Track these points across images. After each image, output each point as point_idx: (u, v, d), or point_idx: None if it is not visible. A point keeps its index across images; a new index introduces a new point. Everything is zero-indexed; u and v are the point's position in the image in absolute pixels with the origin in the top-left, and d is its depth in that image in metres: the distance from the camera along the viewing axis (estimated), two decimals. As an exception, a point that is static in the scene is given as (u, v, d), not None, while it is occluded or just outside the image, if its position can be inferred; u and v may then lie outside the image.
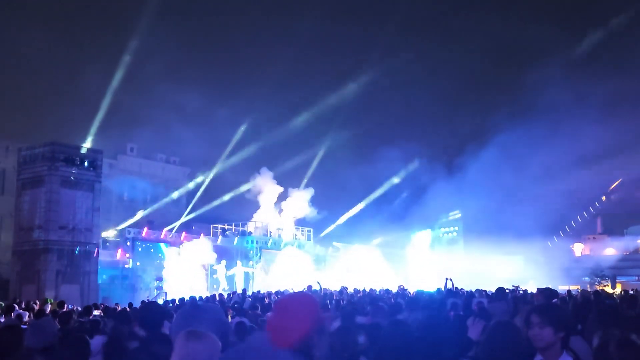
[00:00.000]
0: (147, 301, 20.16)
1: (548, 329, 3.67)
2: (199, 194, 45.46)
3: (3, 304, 18.31)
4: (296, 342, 2.70)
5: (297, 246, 42.74)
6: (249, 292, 26.84)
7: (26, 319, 13.82)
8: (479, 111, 64.25)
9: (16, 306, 17.09)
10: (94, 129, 35.41)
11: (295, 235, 44.67)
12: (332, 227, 48.21)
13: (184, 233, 37.12)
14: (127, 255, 35.51)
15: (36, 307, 17.90)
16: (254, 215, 43.61)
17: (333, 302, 18.00)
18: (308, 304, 2.84)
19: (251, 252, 39.40)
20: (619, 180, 60.17)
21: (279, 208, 44.52)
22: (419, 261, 48.42)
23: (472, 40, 70.52)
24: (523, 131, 46.67)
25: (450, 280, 21.94)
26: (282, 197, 44.89)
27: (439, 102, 65.56)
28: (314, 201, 44.99)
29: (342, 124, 51.19)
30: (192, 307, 2.96)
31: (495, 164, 49.57)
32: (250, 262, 38.44)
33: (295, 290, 26.08)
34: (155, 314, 4.47)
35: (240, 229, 41.93)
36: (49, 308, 18.35)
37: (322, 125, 50.51)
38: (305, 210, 44.49)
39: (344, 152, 51.14)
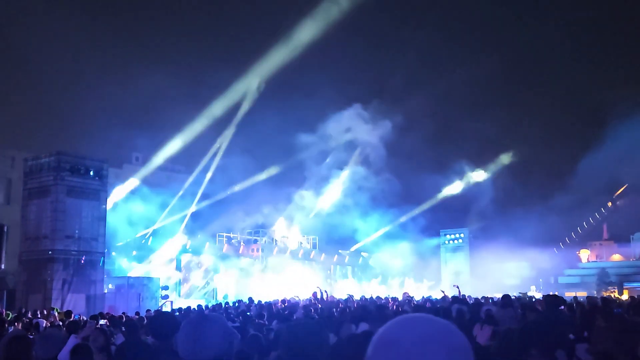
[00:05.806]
0: (159, 309, 20.15)
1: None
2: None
3: (10, 314, 18.37)
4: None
5: (302, 254, 42.67)
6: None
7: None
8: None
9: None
10: (99, 138, 35.49)
11: (301, 243, 44.57)
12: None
13: (189, 241, 37.14)
14: (133, 264, 35.58)
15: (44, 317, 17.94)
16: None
17: (339, 309, 17.94)
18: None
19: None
20: (625, 186, 59.88)
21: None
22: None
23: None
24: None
25: (457, 287, 22.03)
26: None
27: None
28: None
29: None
30: (198, 317, 2.96)
31: (500, 172, 49.55)
32: None
33: (301, 299, 26.06)
34: (167, 324, 4.46)
35: (246, 237, 41.88)
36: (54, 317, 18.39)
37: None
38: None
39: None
